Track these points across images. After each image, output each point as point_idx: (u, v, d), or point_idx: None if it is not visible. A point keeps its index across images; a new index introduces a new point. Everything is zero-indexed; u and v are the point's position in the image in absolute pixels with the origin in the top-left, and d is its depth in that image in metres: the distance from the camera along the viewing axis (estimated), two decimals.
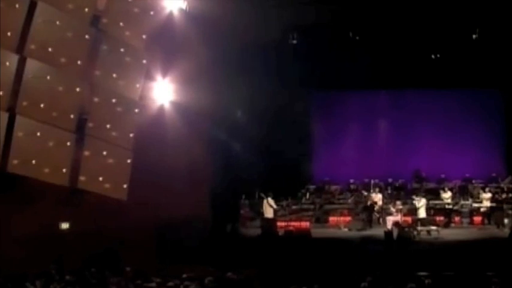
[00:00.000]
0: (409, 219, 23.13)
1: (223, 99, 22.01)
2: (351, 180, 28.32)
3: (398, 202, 23.72)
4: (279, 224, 23.89)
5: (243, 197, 25.57)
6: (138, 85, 18.39)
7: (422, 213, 22.88)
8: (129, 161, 17.83)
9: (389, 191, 26.39)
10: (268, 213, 22.85)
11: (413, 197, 24.06)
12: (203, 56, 20.42)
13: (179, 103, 20.22)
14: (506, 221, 23.18)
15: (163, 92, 20.10)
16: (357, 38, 24.66)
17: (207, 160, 21.66)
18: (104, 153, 17.30)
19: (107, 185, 17.22)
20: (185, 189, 19.93)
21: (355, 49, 24.89)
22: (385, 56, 25.35)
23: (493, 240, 20.50)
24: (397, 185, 27.41)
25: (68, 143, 16.41)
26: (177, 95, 20.25)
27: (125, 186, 17.62)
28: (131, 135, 18.01)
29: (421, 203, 23.08)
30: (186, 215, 19.83)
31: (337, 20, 23.32)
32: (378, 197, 24.95)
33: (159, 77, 19.80)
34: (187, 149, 20.31)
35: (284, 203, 25.83)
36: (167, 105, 20.15)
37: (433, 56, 25.62)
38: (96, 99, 17.22)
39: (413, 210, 23.28)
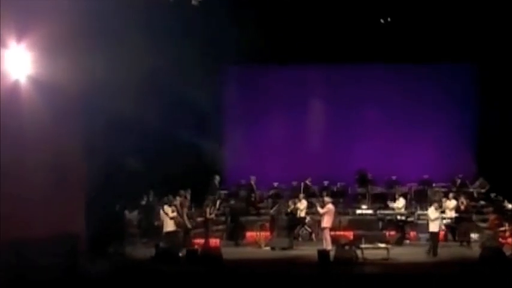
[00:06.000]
0: (349, 234, 23.19)
1: (104, 74, 21.00)
2: (275, 184, 28.27)
3: (327, 199, 23.58)
4: None
5: (132, 205, 25.33)
6: None
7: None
8: None
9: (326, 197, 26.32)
10: (169, 226, 22.62)
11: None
12: (75, 16, 19.58)
13: (40, 78, 19.20)
14: (475, 236, 23.56)
15: (18, 63, 19.04)
16: None
17: (81, 156, 20.97)
18: None
19: None
20: (49, 195, 19.09)
21: (278, 10, 24.65)
22: (319, 20, 25.21)
23: (458, 262, 20.73)
24: (335, 189, 27.56)
25: None
26: (37, 67, 19.23)
27: None
28: None
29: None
30: (51, 231, 18.95)
31: None
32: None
33: (11, 43, 18.78)
34: (52, 140, 19.47)
35: None
36: (23, 80, 19.13)
37: (382, 20, 25.59)
38: None
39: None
